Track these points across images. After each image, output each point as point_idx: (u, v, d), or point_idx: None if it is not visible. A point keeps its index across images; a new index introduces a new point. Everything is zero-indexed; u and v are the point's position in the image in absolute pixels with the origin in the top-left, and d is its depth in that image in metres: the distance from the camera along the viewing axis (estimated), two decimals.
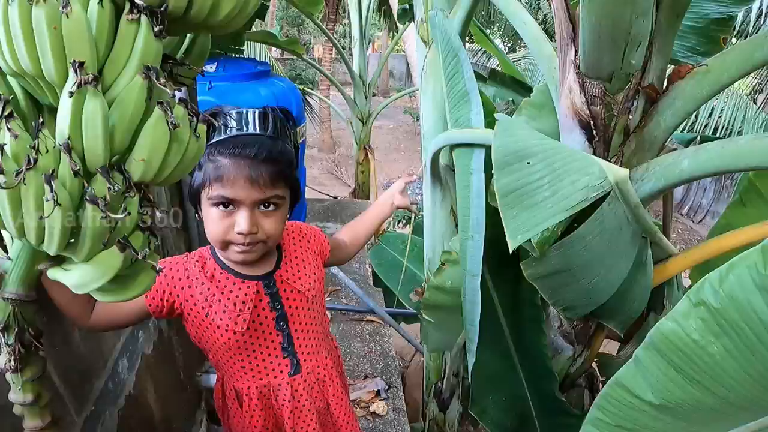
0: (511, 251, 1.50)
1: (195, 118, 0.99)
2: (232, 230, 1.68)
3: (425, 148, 2.86)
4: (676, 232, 13.23)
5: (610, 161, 1.93)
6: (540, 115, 2.26)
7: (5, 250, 1.09)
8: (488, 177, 2.15)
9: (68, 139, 0.88)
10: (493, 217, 1.99)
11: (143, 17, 0.89)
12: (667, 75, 1.92)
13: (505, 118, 1.80)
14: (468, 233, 2.20)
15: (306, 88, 9.32)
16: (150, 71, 0.91)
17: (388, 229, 8.59)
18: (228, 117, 1.67)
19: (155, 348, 2.34)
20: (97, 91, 0.87)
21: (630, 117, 1.89)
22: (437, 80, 2.67)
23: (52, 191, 0.86)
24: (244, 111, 1.70)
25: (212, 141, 1.66)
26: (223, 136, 1.66)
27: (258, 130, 1.70)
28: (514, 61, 14.08)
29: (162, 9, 0.91)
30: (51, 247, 0.94)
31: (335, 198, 8.64)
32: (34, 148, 0.86)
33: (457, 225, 2.97)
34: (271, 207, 1.72)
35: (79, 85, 0.85)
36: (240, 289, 1.82)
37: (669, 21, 1.83)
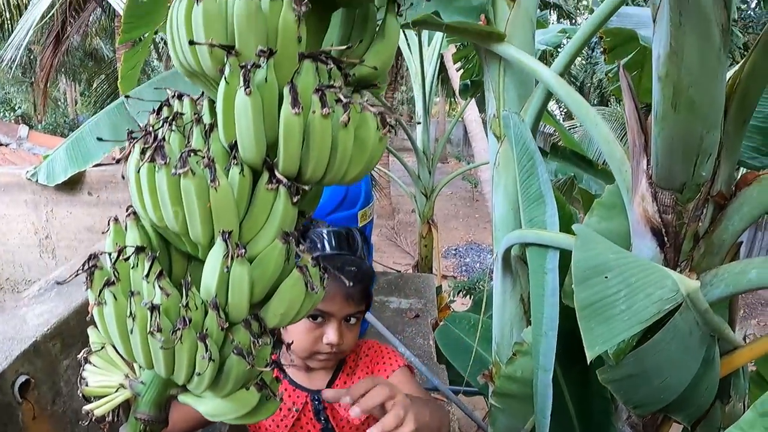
0: (589, 362, 1.58)
1: (325, 273, 1.12)
2: (321, 341, 1.84)
3: (497, 239, 2.95)
4: (740, 297, 13.03)
5: (680, 265, 2.02)
6: (611, 215, 2.35)
7: (132, 369, 1.21)
8: (561, 277, 2.25)
9: (215, 296, 1.01)
10: (564, 311, 2.08)
11: (282, 187, 1.02)
12: (734, 180, 2.01)
13: (582, 230, 1.90)
14: (541, 329, 2.28)
15: None
16: (289, 236, 1.03)
17: (450, 299, 8.66)
18: (322, 236, 1.84)
19: None
20: (244, 260, 1.00)
21: (700, 224, 1.98)
22: (509, 174, 2.77)
23: (207, 350, 0.98)
24: (335, 231, 1.87)
25: None
26: (318, 253, 1.80)
27: (345, 250, 1.87)
28: (571, 128, 14.18)
29: (298, 180, 1.04)
30: (197, 389, 1.06)
31: (399, 272, 8.73)
32: (185, 306, 0.99)
33: (526, 312, 3.03)
34: (353, 320, 1.88)
35: (229, 256, 0.98)
36: (290, 396, 1.95)
37: (736, 128, 1.93)
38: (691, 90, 1.71)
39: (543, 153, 6.13)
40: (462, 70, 6.84)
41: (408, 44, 8.27)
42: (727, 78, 1.87)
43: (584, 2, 21.78)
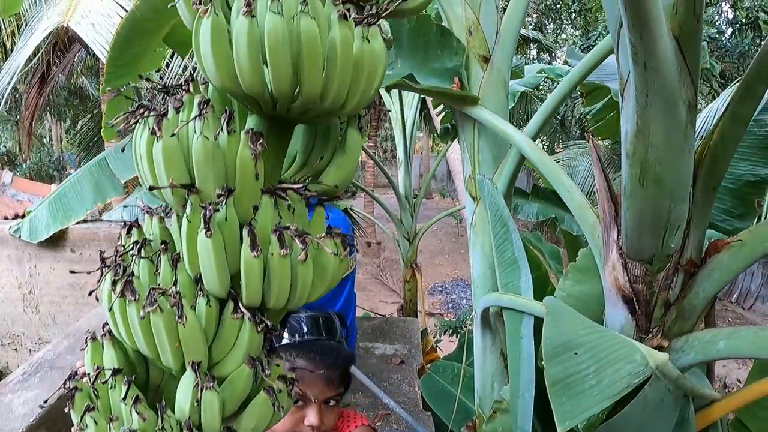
0: None
1: (291, 385, 1.15)
2: (302, 423, 1.87)
3: (475, 295, 2.99)
4: (727, 321, 13.08)
5: (652, 331, 2.05)
6: (585, 279, 2.38)
7: None
8: (538, 338, 2.28)
9: (188, 418, 1.04)
10: (541, 371, 2.11)
11: (246, 314, 1.06)
12: (704, 245, 2.05)
13: (553, 305, 1.93)
14: (518, 391, 2.31)
15: (350, 208, 9.62)
16: (255, 361, 1.07)
17: (436, 338, 8.65)
18: (300, 321, 1.88)
19: None
20: (215, 390, 1.03)
21: (670, 291, 2.01)
22: (485, 233, 2.81)
23: None
24: (312, 316, 1.93)
25: (285, 342, 1.86)
26: (297, 339, 1.85)
27: (325, 335, 1.92)
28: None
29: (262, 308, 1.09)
30: None
31: (383, 316, 8.74)
32: (161, 429, 1.02)
33: (506, 366, 3.06)
34: (332, 402, 1.92)
35: (199, 387, 1.02)
36: None
37: (705, 196, 1.97)
38: (658, 167, 1.76)
39: (524, 195, 6.19)
40: (442, 114, 6.88)
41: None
42: (696, 146, 1.92)
43: (563, 36, 22.03)
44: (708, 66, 12.06)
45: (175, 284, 1.05)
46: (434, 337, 8.46)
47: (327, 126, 1.23)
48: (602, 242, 2.13)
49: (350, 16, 1.06)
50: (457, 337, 8.76)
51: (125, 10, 9.62)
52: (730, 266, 1.95)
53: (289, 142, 1.20)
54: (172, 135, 1.02)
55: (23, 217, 5.74)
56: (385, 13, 1.09)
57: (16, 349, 6.10)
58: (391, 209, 8.29)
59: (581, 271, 2.42)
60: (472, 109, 2.71)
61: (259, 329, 1.06)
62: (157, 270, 1.07)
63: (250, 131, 1.03)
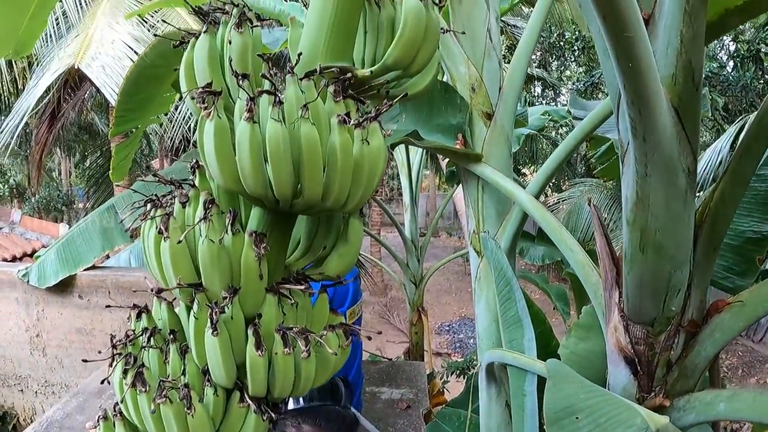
0: None
1: None
2: None
3: (480, 348, 3.01)
4: (737, 355, 13.01)
5: (654, 390, 2.07)
6: (588, 336, 2.41)
7: None
8: (540, 396, 2.29)
9: None
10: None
11: (252, 405, 1.10)
12: (706, 304, 2.07)
13: (554, 368, 1.95)
14: None
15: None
16: None
17: (444, 380, 8.62)
18: None
19: None
20: None
21: (672, 352, 2.03)
22: (490, 288, 2.83)
23: None
24: None
25: (291, 408, 1.88)
26: (303, 404, 1.87)
27: (330, 400, 1.94)
28: (560, 201, 14.25)
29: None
30: None
31: (390, 360, 8.73)
32: None
33: (511, 417, 3.07)
34: None
35: None
36: None
37: (706, 256, 2.00)
38: (658, 234, 1.79)
39: (530, 238, 6.20)
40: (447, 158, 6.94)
41: None
42: (697, 206, 1.95)
43: (567, 72, 22.16)
44: (710, 99, 12.10)
45: (183, 374, 1.08)
46: (441, 379, 8.44)
47: (330, 213, 1.28)
48: (604, 302, 2.16)
49: (349, 121, 1.10)
50: (464, 378, 8.74)
51: (136, 53, 9.76)
52: (732, 326, 1.97)
53: (293, 229, 1.25)
54: (179, 242, 1.06)
55: (31, 256, 5.76)
56: (386, 109, 1.13)
57: (22, 390, 6.11)
58: (397, 250, 8.32)
59: (584, 328, 2.44)
60: (475, 167, 2.74)
61: (264, 418, 1.10)
62: (166, 359, 1.11)
63: (254, 234, 1.08)
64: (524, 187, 2.70)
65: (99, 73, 8.78)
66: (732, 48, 16.33)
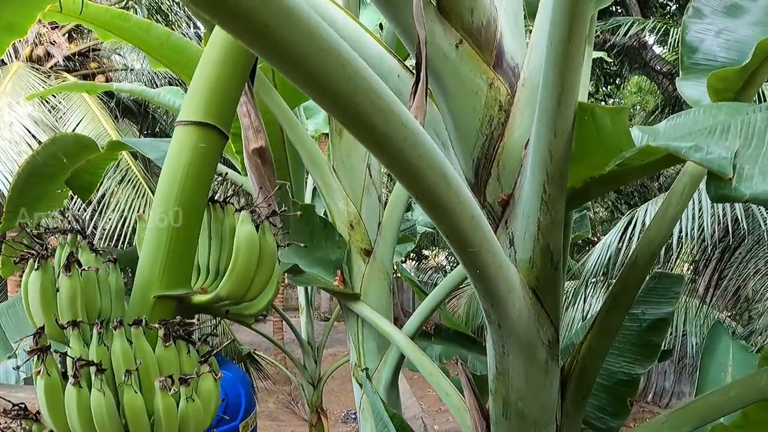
0: None
1: None
2: None
3: None
4: (645, 421, 13.14)
5: None
6: None
7: None
8: None
9: None
10: None
11: None
12: None
13: None
14: None
15: (253, 351, 9.58)
16: None
17: None
18: None
19: None
20: None
21: None
22: (371, 418, 2.80)
23: None
24: None
25: None
26: None
27: None
28: (459, 288, 14.25)
29: None
30: None
31: None
32: None
33: None
34: None
35: None
36: None
37: (575, 405, 2.01)
38: (519, 403, 1.79)
39: (427, 336, 6.19)
40: None
41: None
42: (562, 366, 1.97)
43: None
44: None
45: None
46: None
47: None
48: None
49: (171, 387, 1.11)
50: None
51: (34, 136, 9.58)
52: None
53: None
54: None
55: None
56: (215, 353, 1.14)
57: None
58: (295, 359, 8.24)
59: None
60: (354, 305, 2.74)
61: None
62: None
63: None
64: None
65: None
66: None
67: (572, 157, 1.51)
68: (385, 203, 2.93)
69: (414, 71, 1.47)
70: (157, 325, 1.19)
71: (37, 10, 3.91)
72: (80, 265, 1.27)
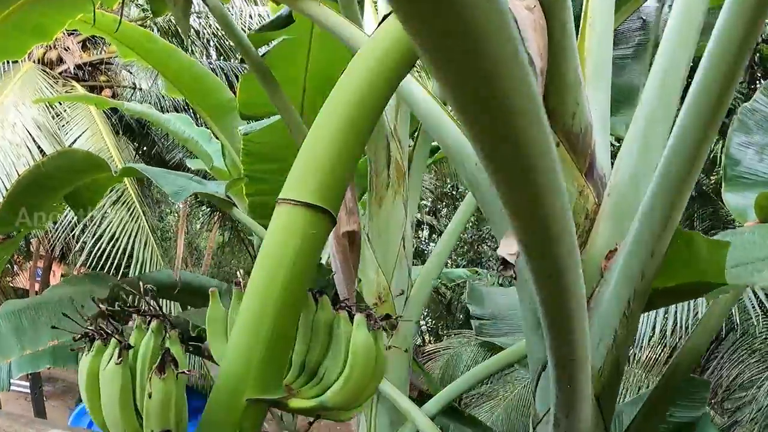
0: None
1: None
2: None
3: None
4: None
5: None
6: None
7: None
8: None
9: None
10: None
11: None
12: None
13: None
14: None
15: None
16: None
17: None
18: None
19: None
20: None
21: None
22: None
23: None
24: None
25: None
26: None
27: None
28: (438, 351, 14.20)
29: None
30: None
31: None
32: None
33: None
34: None
35: None
36: None
37: None
38: None
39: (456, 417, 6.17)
40: None
41: None
42: None
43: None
44: None
45: None
46: None
47: None
48: None
49: None
50: None
51: (35, 141, 9.47)
52: None
53: None
54: None
55: None
56: None
57: None
58: None
59: None
60: None
61: None
62: None
63: None
64: None
65: None
66: None
67: None
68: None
69: None
70: None
71: (68, 17, 3.90)
72: (176, 366, 1.14)
